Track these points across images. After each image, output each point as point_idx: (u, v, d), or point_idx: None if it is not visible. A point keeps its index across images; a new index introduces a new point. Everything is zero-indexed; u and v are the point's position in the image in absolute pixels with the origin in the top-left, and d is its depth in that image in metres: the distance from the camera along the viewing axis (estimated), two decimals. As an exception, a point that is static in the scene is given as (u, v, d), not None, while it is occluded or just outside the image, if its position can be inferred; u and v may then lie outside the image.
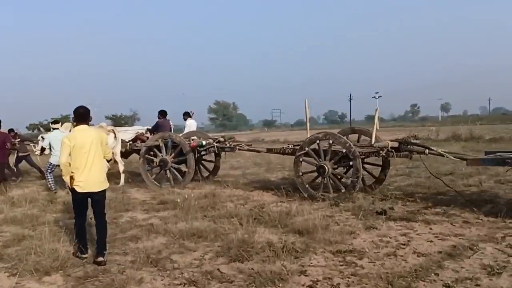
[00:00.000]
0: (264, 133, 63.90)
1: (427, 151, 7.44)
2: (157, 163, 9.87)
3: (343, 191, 7.70)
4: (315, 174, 8.26)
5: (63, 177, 5.15)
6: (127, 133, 11.49)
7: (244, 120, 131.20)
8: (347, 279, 4.13)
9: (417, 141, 7.91)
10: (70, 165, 4.90)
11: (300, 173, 8.14)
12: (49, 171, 9.87)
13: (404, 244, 5.13)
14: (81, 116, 5.04)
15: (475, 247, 4.86)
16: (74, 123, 5.78)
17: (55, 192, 9.53)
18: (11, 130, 13.21)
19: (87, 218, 5.25)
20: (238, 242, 5.07)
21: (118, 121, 43.83)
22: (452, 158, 7.17)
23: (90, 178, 4.88)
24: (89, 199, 5.02)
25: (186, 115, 12.80)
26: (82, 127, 5.02)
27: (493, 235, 5.32)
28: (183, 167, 9.87)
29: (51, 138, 9.75)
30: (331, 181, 7.88)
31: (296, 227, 5.75)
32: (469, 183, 8.99)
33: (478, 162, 6.99)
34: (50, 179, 9.86)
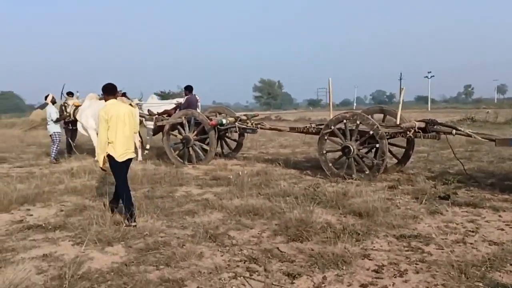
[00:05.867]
0: (309, 113, 63.10)
1: (454, 131, 7.47)
2: (180, 140, 9.86)
3: (367, 172, 7.66)
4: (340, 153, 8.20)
5: (98, 155, 5.24)
6: (170, 105, 11.74)
7: (289, 99, 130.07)
8: (414, 265, 3.92)
9: (444, 122, 8.12)
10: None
11: (324, 151, 8.13)
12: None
13: (472, 231, 4.84)
14: (110, 90, 5.37)
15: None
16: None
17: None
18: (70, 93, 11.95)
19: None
20: (296, 221, 4.94)
21: (166, 97, 44.41)
22: (480, 139, 7.24)
23: (129, 147, 5.24)
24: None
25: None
26: (113, 101, 5.33)
27: None
28: (205, 145, 9.82)
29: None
30: (355, 162, 7.81)
31: (355, 209, 5.55)
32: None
33: (507, 142, 7.04)
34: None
